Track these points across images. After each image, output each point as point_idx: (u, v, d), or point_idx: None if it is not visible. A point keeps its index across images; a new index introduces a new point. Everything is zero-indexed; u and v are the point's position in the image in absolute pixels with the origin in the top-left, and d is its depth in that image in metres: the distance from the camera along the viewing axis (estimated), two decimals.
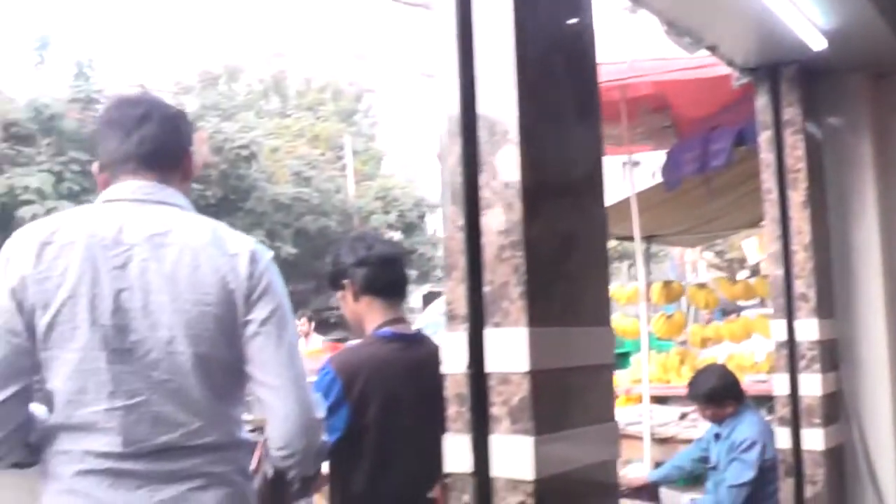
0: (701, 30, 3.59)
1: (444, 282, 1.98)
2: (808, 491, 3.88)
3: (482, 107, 1.93)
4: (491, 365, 1.88)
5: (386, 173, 31.74)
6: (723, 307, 9.98)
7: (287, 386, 2.06)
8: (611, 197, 2.23)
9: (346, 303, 2.91)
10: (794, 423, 3.91)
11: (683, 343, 8.78)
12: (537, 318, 1.85)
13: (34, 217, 15.92)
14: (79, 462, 1.97)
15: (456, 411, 1.92)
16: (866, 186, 4.08)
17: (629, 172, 6.36)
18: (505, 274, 1.86)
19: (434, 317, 11.26)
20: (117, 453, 1.95)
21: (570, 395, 1.97)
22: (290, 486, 2.37)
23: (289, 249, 23.57)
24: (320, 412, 2.16)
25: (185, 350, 1.98)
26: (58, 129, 21.13)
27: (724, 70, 4.33)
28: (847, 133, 4.10)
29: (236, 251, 2.07)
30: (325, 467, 2.88)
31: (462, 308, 1.91)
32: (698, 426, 5.86)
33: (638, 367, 7.11)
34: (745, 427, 4.61)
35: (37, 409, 2.04)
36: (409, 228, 28.93)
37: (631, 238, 6.67)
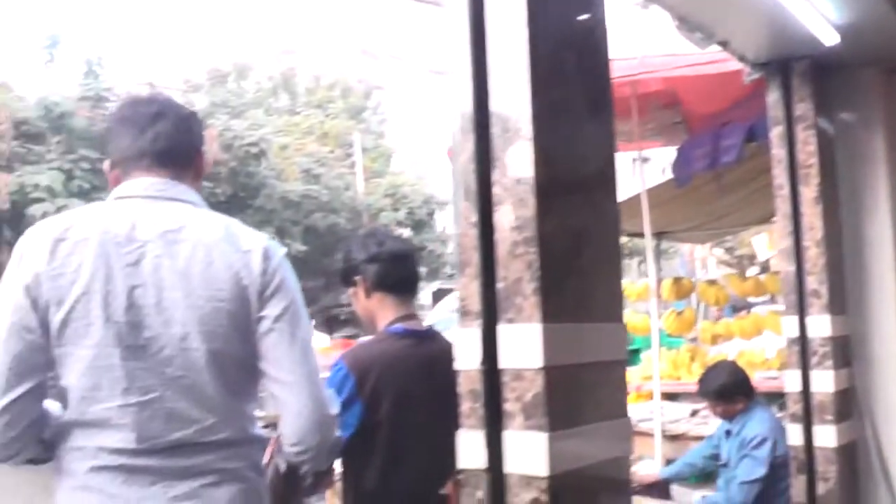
0: (712, 25, 3.57)
1: (457, 278, 1.98)
2: (821, 488, 3.86)
3: (495, 103, 1.93)
4: (504, 361, 1.88)
5: (395, 170, 31.74)
6: (733, 304, 9.97)
7: (301, 382, 2.06)
8: (621, 193, 2.23)
9: (358, 299, 2.91)
10: (806, 420, 3.90)
11: (693, 340, 8.77)
12: (550, 313, 1.85)
13: (44, 215, 16.00)
14: (92, 458, 1.98)
15: (469, 407, 1.92)
16: (879, 182, 4.06)
17: (639, 169, 6.34)
18: (518, 270, 1.86)
19: (444, 313, 11.28)
20: (131, 450, 1.96)
21: (583, 391, 1.97)
22: (303, 480, 2.37)
23: (298, 247, 23.60)
24: (334, 408, 2.17)
25: (198, 346, 1.99)
26: (67, 128, 21.19)
27: (735, 66, 4.31)
28: (859, 128, 4.08)
29: (249, 247, 2.07)
30: (338, 464, 2.89)
31: (475, 304, 1.91)
32: (709, 423, 5.86)
33: (648, 364, 7.10)
34: (756, 423, 4.60)
35: (51, 405, 2.04)
36: (419, 225, 28.94)
37: (641, 234, 6.66)
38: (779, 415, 5.17)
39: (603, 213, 2.13)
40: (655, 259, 7.65)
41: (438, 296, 19.79)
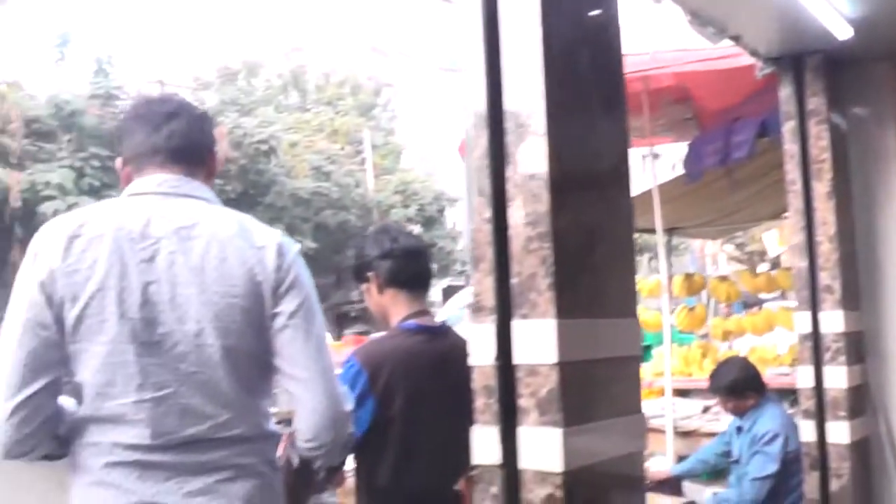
0: (724, 20, 3.56)
1: (471, 273, 1.98)
2: (834, 484, 3.85)
3: (509, 99, 1.92)
4: (519, 356, 1.88)
5: (405, 167, 31.72)
6: (744, 300, 9.94)
7: (315, 379, 2.07)
8: (632, 189, 2.23)
9: (371, 295, 2.92)
10: (819, 416, 3.89)
11: (705, 336, 8.75)
12: (565, 309, 1.85)
13: (56, 213, 16.04)
14: (107, 454, 1.98)
15: (484, 403, 1.92)
16: (892, 177, 4.04)
17: (650, 164, 6.32)
18: (532, 265, 1.86)
19: (454, 310, 11.27)
20: (146, 445, 1.97)
21: (597, 387, 1.97)
22: (316, 475, 2.38)
23: (308, 244, 23.61)
24: (348, 405, 2.17)
25: (213, 342, 1.99)
26: (78, 126, 21.24)
27: (747, 61, 4.30)
28: (872, 123, 4.07)
29: (263, 244, 2.08)
30: (351, 460, 2.89)
31: (490, 300, 1.91)
32: (721, 419, 5.84)
33: (660, 360, 7.09)
34: (767, 419, 4.59)
35: (66, 401, 2.05)
36: (429, 222, 28.93)
37: (652, 230, 6.64)
38: (790, 411, 5.16)
39: (616, 209, 2.13)
40: (666, 255, 7.64)
41: (449, 293, 19.76)
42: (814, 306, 3.92)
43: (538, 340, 1.85)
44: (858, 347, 3.97)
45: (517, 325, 1.89)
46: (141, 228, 2.00)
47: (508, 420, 1.89)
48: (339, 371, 2.52)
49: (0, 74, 21.33)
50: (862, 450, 3.93)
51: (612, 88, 2.14)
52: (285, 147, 25.70)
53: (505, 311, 1.89)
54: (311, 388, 2.07)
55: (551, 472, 1.83)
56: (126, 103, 21.47)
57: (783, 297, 13.53)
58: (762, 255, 22.53)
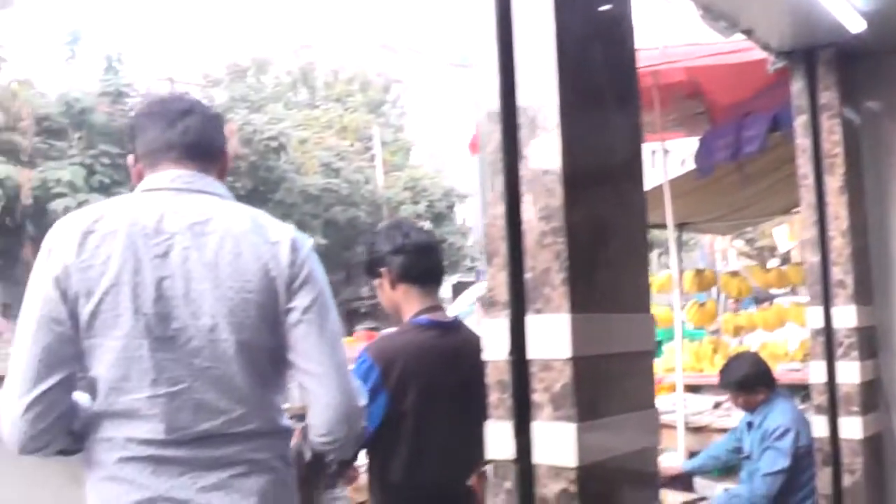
0: (736, 13, 3.55)
1: (485, 268, 1.98)
2: (846, 480, 3.84)
3: (522, 93, 1.92)
4: (533, 351, 1.87)
5: (415, 164, 31.74)
6: (755, 295, 9.92)
7: (330, 374, 2.07)
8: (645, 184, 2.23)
9: (383, 291, 2.92)
10: (832, 412, 3.87)
11: (715, 332, 8.74)
12: (579, 304, 1.84)
13: (66, 210, 16.11)
14: (121, 449, 1.99)
15: (498, 398, 1.91)
16: None
17: (662, 160, 6.31)
18: (546, 260, 1.85)
19: (464, 307, 11.27)
20: (160, 440, 1.97)
21: (611, 382, 1.96)
22: (328, 467, 2.38)
23: (318, 240, 23.62)
24: (362, 400, 2.17)
25: (227, 337, 1.99)
26: (88, 123, 21.31)
27: (758, 55, 4.28)
28: (885, 117, 4.04)
29: (277, 239, 2.08)
30: (363, 455, 2.90)
31: (503, 294, 1.90)
32: (732, 415, 5.83)
33: (671, 356, 7.08)
34: (778, 415, 4.58)
35: (80, 397, 2.06)
36: (439, 218, 28.93)
37: (662, 226, 6.63)
38: (801, 406, 5.15)
39: (630, 204, 2.12)
40: (677, 251, 7.63)
41: (458, 289, 19.77)
42: (826, 301, 3.91)
43: (552, 335, 1.84)
44: (871, 342, 3.95)
45: (531, 320, 1.88)
46: (155, 224, 2.01)
47: (522, 415, 1.88)
48: (351, 366, 2.53)
49: (11, 73, 21.39)
50: (875, 445, 3.92)
51: (625, 83, 2.14)
52: (295, 144, 25.73)
53: (519, 306, 1.88)
54: (325, 382, 2.07)
55: (565, 467, 1.83)
56: (136, 100, 21.58)
57: (793, 292, 13.50)
58: (772, 250, 22.49)
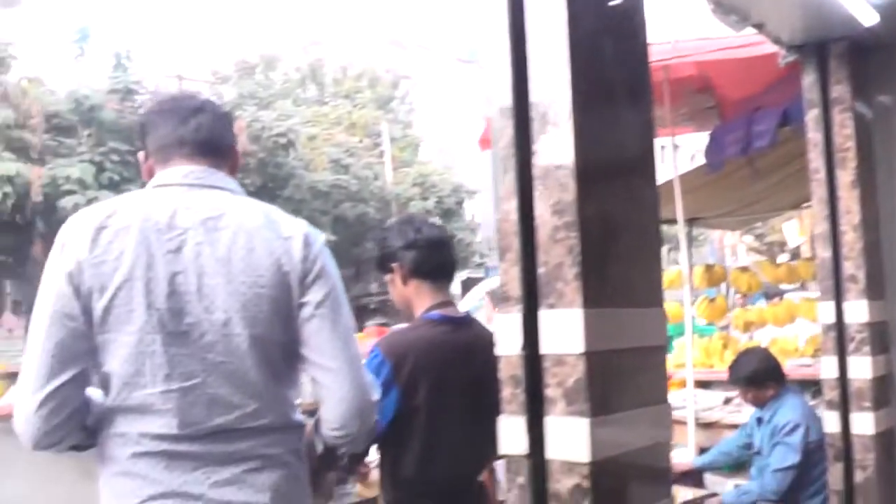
0: (747, 7, 3.53)
1: (498, 263, 1.98)
2: (858, 476, 3.82)
3: (534, 88, 1.91)
4: (546, 346, 1.87)
5: (423, 160, 31.72)
6: (765, 290, 9.91)
7: (343, 368, 2.07)
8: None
9: (395, 286, 2.92)
10: (843, 407, 3.86)
11: (725, 327, 8.73)
12: (591, 298, 1.84)
13: (76, 207, 16.11)
14: (135, 444, 1.99)
15: (510, 393, 1.91)
16: None
17: (672, 155, 6.29)
18: (559, 255, 1.85)
19: (473, 302, 11.26)
20: (173, 435, 1.97)
21: (624, 377, 1.96)
22: (340, 460, 2.39)
23: (327, 237, 23.50)
24: (375, 394, 2.17)
25: (240, 332, 2.00)
26: (97, 120, 21.35)
27: (769, 49, 4.26)
28: None
29: (290, 234, 2.09)
30: (374, 451, 2.90)
31: (516, 289, 1.90)
32: (742, 411, 5.82)
33: (681, 352, 7.07)
34: (788, 410, 4.58)
35: (93, 392, 2.06)
36: (447, 214, 28.90)
37: (673, 221, 6.61)
38: (812, 402, 5.14)
39: (642, 198, 2.11)
40: (687, 246, 7.61)
41: (467, 285, 19.75)
42: (838, 296, 3.89)
43: (565, 330, 1.84)
44: (883, 337, 3.93)
45: (544, 315, 1.88)
46: (167, 219, 2.01)
47: (535, 410, 1.88)
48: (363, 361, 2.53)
49: (21, 70, 21.45)
50: (887, 441, 3.90)
51: (637, 77, 2.13)
52: (304, 140, 25.74)
53: (532, 301, 1.88)
54: (338, 377, 2.07)
55: (578, 462, 1.82)
56: (145, 98, 21.62)
57: (803, 287, 13.47)
58: (782, 245, 22.45)
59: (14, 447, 2.06)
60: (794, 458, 4.45)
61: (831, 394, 3.89)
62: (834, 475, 3.90)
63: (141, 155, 2.25)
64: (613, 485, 1.90)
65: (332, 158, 26.47)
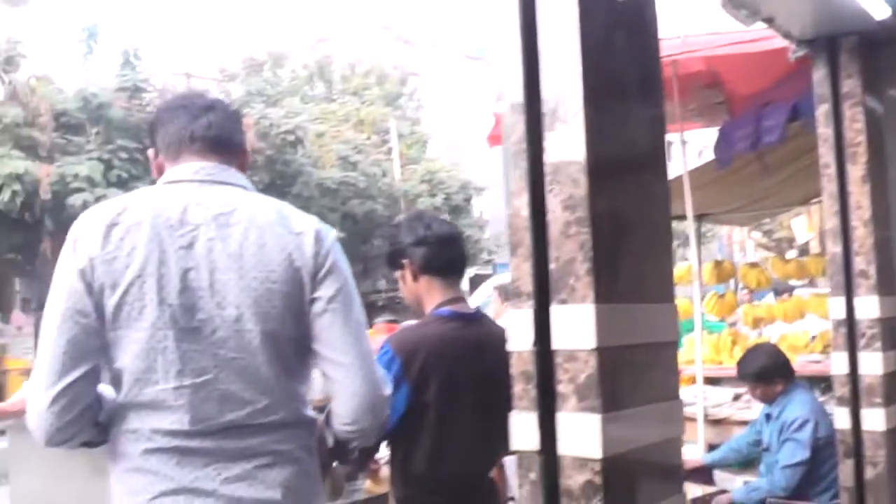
0: (758, 2, 3.51)
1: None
2: (869, 472, 3.80)
3: (545, 84, 1.91)
4: (557, 342, 1.86)
5: (431, 156, 31.70)
6: (774, 287, 9.88)
7: (356, 363, 2.08)
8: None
9: (405, 282, 2.92)
10: (854, 403, 3.84)
11: (734, 324, 8.70)
12: (603, 294, 1.83)
13: (84, 204, 16.16)
14: (146, 440, 2.00)
15: (522, 389, 1.91)
16: None
17: (681, 150, 6.28)
18: (571, 250, 1.85)
19: (482, 299, 11.27)
20: (185, 431, 1.98)
21: (636, 373, 1.95)
22: (351, 454, 2.39)
23: (336, 233, 23.61)
24: (388, 389, 2.18)
25: (253, 328, 2.00)
26: (106, 118, 21.36)
27: (778, 44, 4.24)
28: None
29: (301, 230, 2.09)
30: (384, 447, 2.90)
31: (528, 285, 1.90)
32: (752, 407, 5.81)
33: (690, 348, 7.05)
34: (797, 406, 4.57)
35: (105, 389, 2.06)
36: (456, 211, 28.87)
37: (681, 217, 6.60)
38: (821, 399, 5.13)
39: (653, 194, 2.11)
40: (696, 242, 7.60)
41: (476, 282, 19.76)
42: (848, 292, 3.87)
43: (576, 325, 1.83)
44: (894, 333, 3.91)
45: (555, 311, 1.87)
46: (179, 215, 2.02)
47: (547, 406, 1.88)
48: None
49: (30, 69, 21.48)
50: None
51: (648, 72, 2.12)
52: (312, 137, 25.73)
53: (543, 297, 1.88)
54: (351, 372, 2.08)
55: (590, 458, 1.82)
56: (153, 96, 21.64)
57: (812, 283, 13.44)
58: (790, 241, 22.40)
59: (27, 444, 2.07)
60: (803, 454, 4.44)
61: (842, 390, 3.88)
62: (844, 472, 3.88)
63: (150, 152, 2.26)
64: (625, 481, 1.90)
65: (340, 155, 26.45)
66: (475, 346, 2.79)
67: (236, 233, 2.03)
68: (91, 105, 21.30)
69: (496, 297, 7.43)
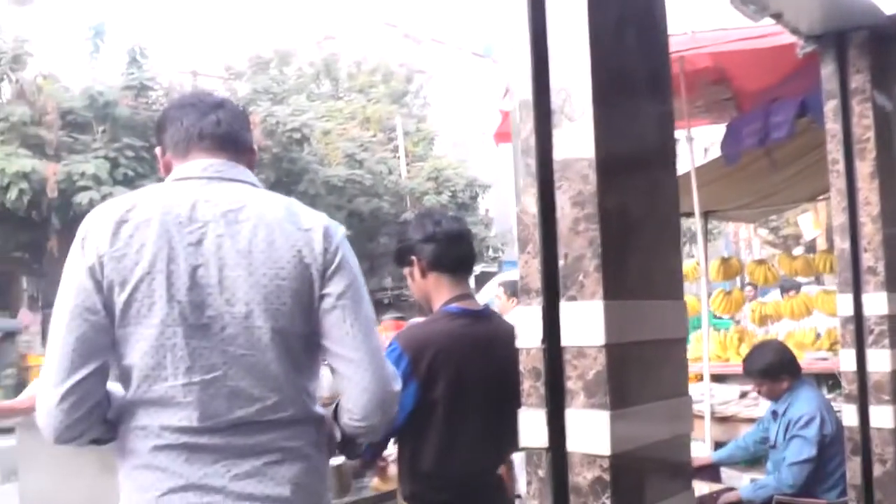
0: None
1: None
2: (877, 470, 3.79)
3: (555, 80, 1.91)
4: (566, 339, 1.86)
5: (438, 154, 31.66)
6: (781, 283, 9.86)
7: (365, 359, 2.08)
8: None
9: (414, 279, 2.92)
10: (862, 400, 3.83)
11: (739, 321, 8.69)
12: (612, 291, 1.83)
13: (91, 203, 16.19)
14: (155, 437, 2.00)
15: (531, 385, 1.91)
16: None
17: (687, 147, 6.27)
18: (580, 247, 1.84)
19: (489, 297, 11.24)
20: (194, 428, 1.98)
21: (644, 369, 1.95)
22: (359, 449, 2.40)
23: (344, 230, 23.58)
24: (397, 385, 2.18)
25: (262, 324, 2.00)
26: (112, 117, 21.37)
27: (785, 40, 4.24)
28: None
29: (310, 226, 2.09)
30: (392, 445, 2.90)
31: (536, 282, 1.90)
32: (759, 405, 5.81)
33: (697, 345, 7.05)
34: (803, 403, 4.56)
35: (114, 386, 2.07)
36: (462, 209, 28.82)
37: (689, 214, 6.60)
38: (828, 396, 5.11)
39: (662, 190, 2.11)
40: (703, 239, 7.59)
41: (482, 279, 19.75)
42: (856, 288, 3.86)
43: (585, 322, 1.83)
44: None
45: (565, 307, 1.87)
46: (188, 212, 2.02)
47: (555, 402, 1.88)
48: None
49: (36, 67, 21.51)
50: None
51: (657, 69, 2.12)
52: (318, 135, 25.73)
53: (552, 293, 1.88)
54: (360, 368, 2.08)
55: (599, 454, 1.82)
56: (160, 94, 21.66)
57: (818, 281, 13.40)
58: (797, 238, 22.35)
59: (36, 441, 2.07)
60: (809, 451, 4.43)
61: (850, 387, 3.86)
62: (852, 469, 3.87)
63: (158, 150, 2.26)
64: (634, 478, 1.90)
65: (346, 153, 26.45)
66: (484, 342, 2.79)
67: (245, 229, 2.03)
68: (98, 103, 21.32)
69: (502, 294, 7.43)
